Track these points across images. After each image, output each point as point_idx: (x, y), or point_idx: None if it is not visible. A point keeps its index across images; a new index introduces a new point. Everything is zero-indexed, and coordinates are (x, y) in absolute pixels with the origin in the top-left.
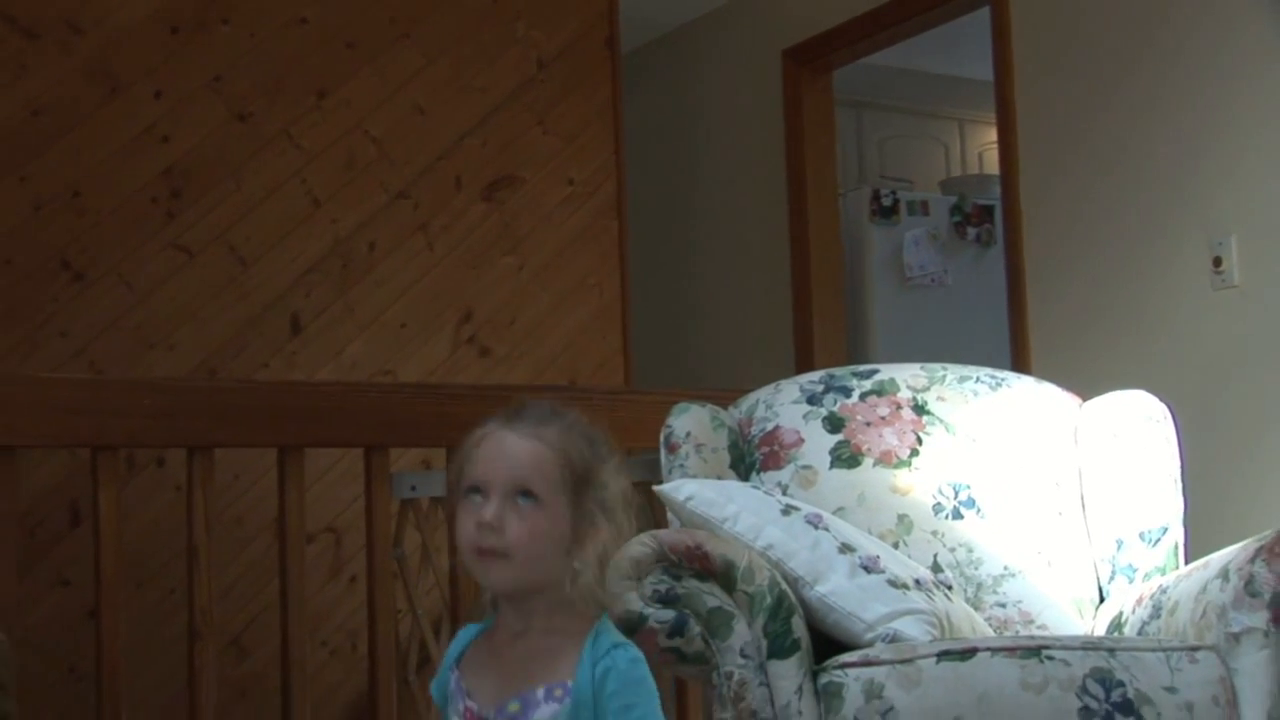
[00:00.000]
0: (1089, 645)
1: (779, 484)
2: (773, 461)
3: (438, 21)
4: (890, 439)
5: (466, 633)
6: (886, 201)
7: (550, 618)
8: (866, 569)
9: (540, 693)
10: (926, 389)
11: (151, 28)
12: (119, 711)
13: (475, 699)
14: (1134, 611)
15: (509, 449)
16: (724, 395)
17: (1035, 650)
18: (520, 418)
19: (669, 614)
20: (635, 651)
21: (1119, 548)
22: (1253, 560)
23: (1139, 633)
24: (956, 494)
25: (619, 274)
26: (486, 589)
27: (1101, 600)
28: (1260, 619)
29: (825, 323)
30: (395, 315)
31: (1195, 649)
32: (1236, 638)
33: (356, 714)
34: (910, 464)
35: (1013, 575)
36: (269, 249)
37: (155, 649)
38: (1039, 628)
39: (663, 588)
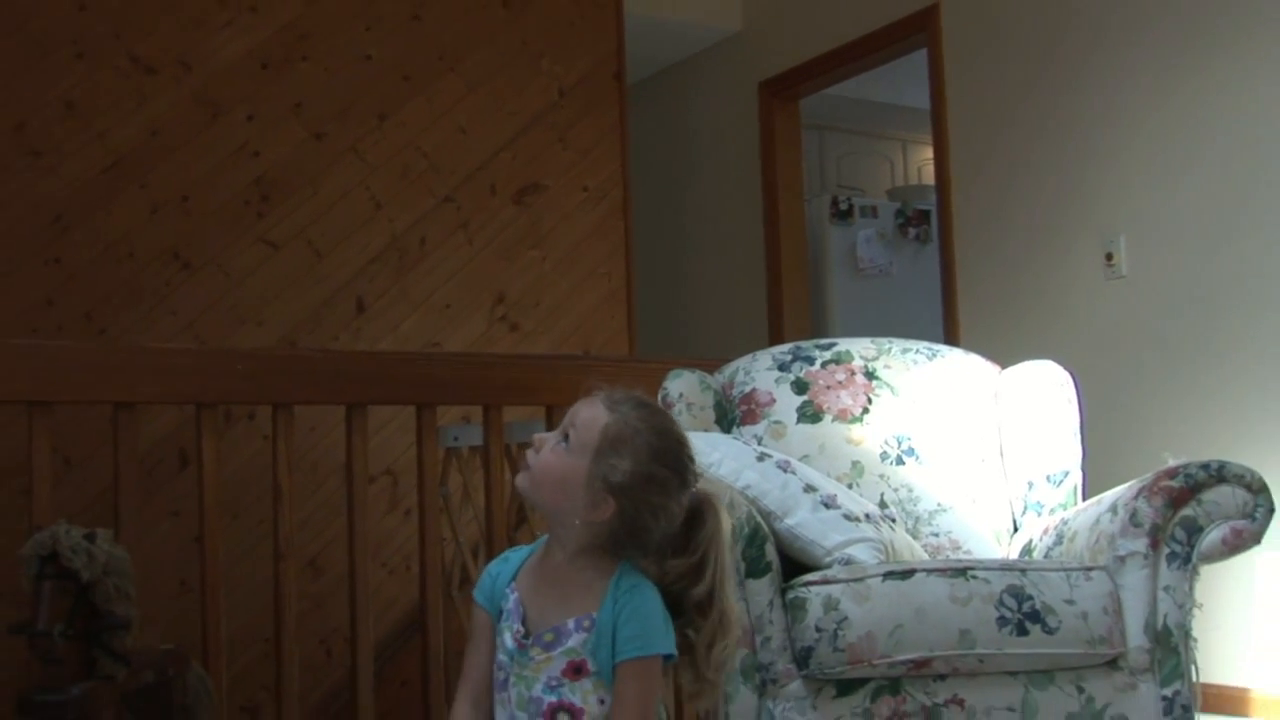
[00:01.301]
0: (1005, 567)
1: (755, 436)
2: (750, 418)
3: (477, 58)
4: (846, 399)
5: (516, 554)
6: (843, 206)
7: (580, 554)
8: (826, 505)
9: (571, 624)
10: (876, 358)
11: (246, 64)
12: (219, 618)
13: (526, 624)
14: (1041, 539)
15: (581, 404)
16: (710, 363)
17: (962, 571)
18: (613, 391)
19: None
20: (649, 591)
21: (1030, 488)
22: (1136, 498)
23: (1045, 556)
24: (900, 444)
25: (625, 264)
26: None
27: (1015, 531)
28: (1141, 544)
29: (793, 304)
30: (441, 297)
31: (1090, 569)
32: (1122, 560)
33: (410, 622)
34: (862, 420)
35: (944, 510)
36: (339, 243)
37: (248, 568)
38: (965, 553)
39: None
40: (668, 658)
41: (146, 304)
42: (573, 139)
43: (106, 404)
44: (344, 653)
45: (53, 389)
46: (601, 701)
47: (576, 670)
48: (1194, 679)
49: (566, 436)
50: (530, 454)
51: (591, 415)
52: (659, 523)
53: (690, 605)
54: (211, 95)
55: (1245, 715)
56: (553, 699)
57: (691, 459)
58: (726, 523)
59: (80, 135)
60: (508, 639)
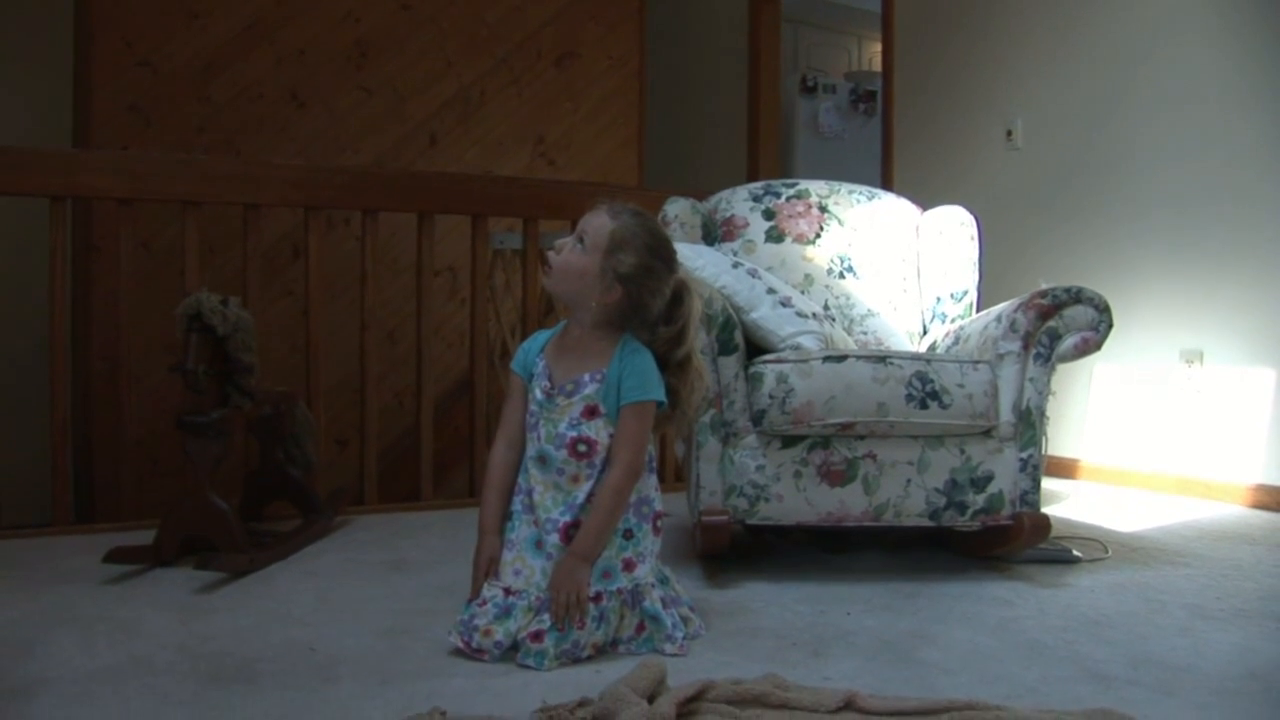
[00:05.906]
0: (915, 358)
1: (732, 250)
2: (729, 236)
3: None
4: (803, 226)
5: (542, 334)
6: (810, 84)
7: (594, 328)
8: (783, 304)
9: (587, 377)
10: (828, 196)
11: None
12: (319, 374)
13: (551, 379)
14: (943, 340)
15: (590, 215)
16: (701, 194)
17: (883, 358)
18: (613, 203)
19: None
20: (646, 354)
21: (937, 302)
22: (1015, 311)
23: (945, 352)
24: (842, 263)
25: (638, 117)
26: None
27: (924, 333)
28: (1016, 346)
29: (767, 157)
30: (496, 137)
31: (977, 363)
32: (1002, 357)
33: (462, 384)
34: (815, 243)
35: (873, 315)
36: (419, 91)
37: (342, 335)
38: (886, 347)
39: None
40: (659, 404)
41: (271, 132)
42: (602, 18)
43: (239, 205)
44: (412, 404)
45: (201, 193)
46: (610, 436)
47: (591, 412)
48: (1044, 448)
49: (581, 240)
50: (551, 255)
51: (600, 223)
52: (656, 301)
53: (674, 363)
54: None
55: (1074, 478)
56: (574, 433)
57: (674, 252)
58: (699, 302)
59: (226, 2)
60: (538, 393)
